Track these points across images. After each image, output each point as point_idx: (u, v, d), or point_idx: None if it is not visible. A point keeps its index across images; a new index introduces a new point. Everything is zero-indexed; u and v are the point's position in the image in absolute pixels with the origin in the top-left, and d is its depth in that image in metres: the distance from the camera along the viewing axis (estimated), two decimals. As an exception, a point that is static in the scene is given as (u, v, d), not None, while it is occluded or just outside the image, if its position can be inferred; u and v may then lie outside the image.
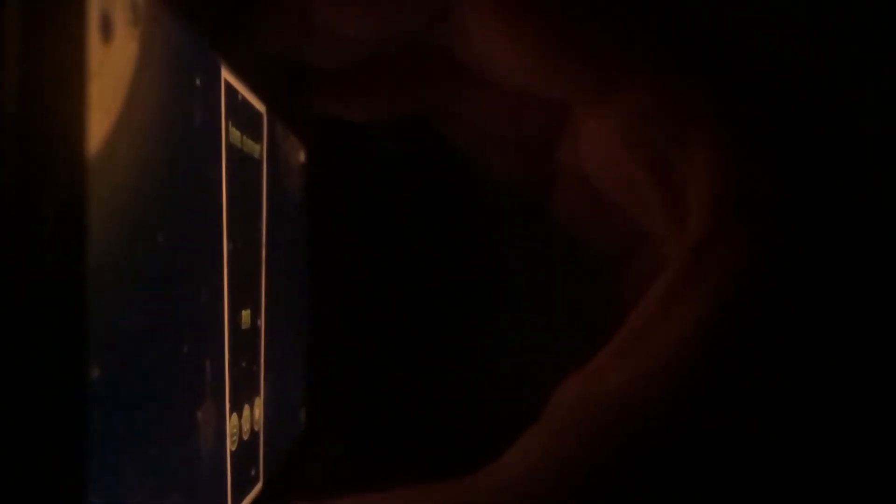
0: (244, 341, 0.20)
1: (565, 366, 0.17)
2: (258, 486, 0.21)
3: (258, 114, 0.21)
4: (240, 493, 0.19)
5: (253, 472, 0.21)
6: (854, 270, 0.16)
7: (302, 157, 0.27)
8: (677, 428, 0.15)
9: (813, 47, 0.25)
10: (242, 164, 0.19)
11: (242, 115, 0.19)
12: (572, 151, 0.20)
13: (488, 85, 0.20)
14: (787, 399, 0.15)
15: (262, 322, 0.21)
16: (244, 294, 0.20)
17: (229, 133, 0.18)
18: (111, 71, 0.12)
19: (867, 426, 0.16)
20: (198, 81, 0.16)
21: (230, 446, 0.19)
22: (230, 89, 0.18)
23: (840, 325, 0.16)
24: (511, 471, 0.16)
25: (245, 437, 0.20)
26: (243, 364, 0.20)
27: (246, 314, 0.20)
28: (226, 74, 0.18)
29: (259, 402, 0.21)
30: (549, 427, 0.16)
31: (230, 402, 0.18)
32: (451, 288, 0.35)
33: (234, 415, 0.19)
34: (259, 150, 0.21)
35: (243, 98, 0.19)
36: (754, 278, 0.16)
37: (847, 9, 0.36)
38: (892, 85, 0.35)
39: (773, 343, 0.15)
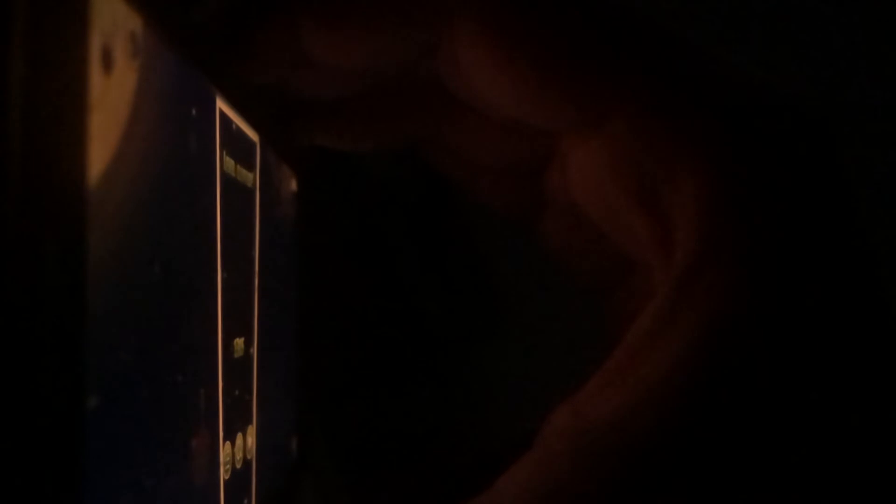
0: (237, 370, 0.20)
1: (557, 393, 0.17)
2: None
3: (252, 143, 0.21)
4: (232, 522, 0.19)
5: (245, 502, 0.21)
6: (842, 295, 0.16)
7: (293, 185, 0.27)
8: (669, 454, 0.15)
9: (798, 75, 0.26)
10: (236, 192, 0.20)
11: (236, 145, 0.19)
12: (561, 180, 0.20)
13: (478, 115, 0.20)
14: (780, 423, 0.15)
15: (254, 350, 0.21)
16: (237, 323, 0.20)
17: (223, 162, 0.18)
18: (111, 102, 0.12)
19: (866, 452, 0.16)
20: (193, 111, 0.16)
21: (223, 475, 0.19)
22: (224, 119, 0.18)
23: (831, 350, 0.16)
24: (504, 498, 0.16)
25: (238, 466, 0.20)
26: (236, 392, 0.20)
27: (239, 343, 0.20)
28: (220, 104, 0.18)
29: (252, 431, 0.21)
30: (541, 454, 0.16)
31: (223, 430, 0.18)
32: (443, 316, 0.35)
33: (228, 443, 0.19)
34: (252, 178, 0.21)
35: (237, 127, 0.20)
36: (742, 305, 0.16)
37: (834, 36, 0.36)
38: (878, 115, 0.35)
39: (763, 368, 0.16)
